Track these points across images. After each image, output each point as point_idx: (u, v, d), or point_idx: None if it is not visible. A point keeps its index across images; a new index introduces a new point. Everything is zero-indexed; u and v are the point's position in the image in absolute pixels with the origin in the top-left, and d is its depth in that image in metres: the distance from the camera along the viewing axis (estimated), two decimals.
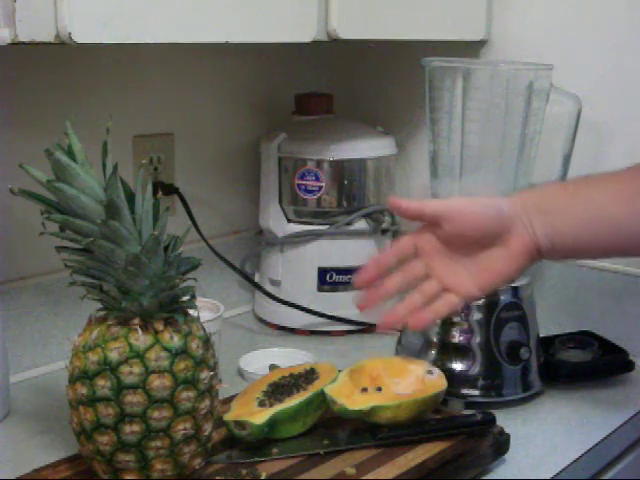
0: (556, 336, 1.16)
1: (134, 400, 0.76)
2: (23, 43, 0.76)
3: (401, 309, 0.90)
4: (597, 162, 1.21)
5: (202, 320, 0.85)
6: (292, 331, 1.31)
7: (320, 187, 1.28)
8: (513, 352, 1.04)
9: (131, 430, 0.77)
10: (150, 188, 0.79)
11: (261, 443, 0.87)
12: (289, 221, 1.31)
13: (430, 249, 0.90)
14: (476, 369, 1.04)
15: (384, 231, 1.31)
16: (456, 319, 1.05)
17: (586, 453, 0.96)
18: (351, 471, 0.83)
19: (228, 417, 0.87)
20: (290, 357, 1.12)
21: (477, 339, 1.04)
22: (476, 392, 1.04)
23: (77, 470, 0.82)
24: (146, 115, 1.25)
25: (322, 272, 1.28)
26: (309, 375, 0.94)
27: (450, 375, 0.97)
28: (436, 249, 0.89)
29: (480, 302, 1.03)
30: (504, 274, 0.89)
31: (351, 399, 0.90)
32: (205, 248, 1.24)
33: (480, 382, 1.04)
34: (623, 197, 0.88)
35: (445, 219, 0.88)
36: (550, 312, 1.21)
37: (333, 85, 1.46)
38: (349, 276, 1.28)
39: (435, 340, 1.06)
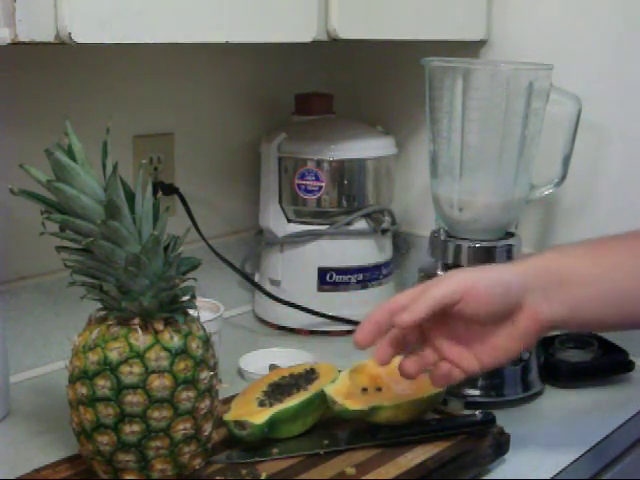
0: (556, 336, 1.16)
1: (134, 400, 0.76)
2: (23, 43, 0.75)
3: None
4: (597, 162, 1.21)
5: (202, 320, 0.85)
6: (292, 331, 1.31)
7: (320, 187, 1.27)
8: None
9: (131, 430, 0.77)
10: (150, 188, 0.79)
11: (261, 443, 0.87)
12: (289, 221, 1.31)
13: (435, 333, 0.84)
14: None
15: (384, 231, 1.31)
16: None
17: (586, 453, 0.96)
18: (351, 471, 0.83)
19: (228, 417, 0.87)
20: (290, 357, 1.12)
21: None
22: (476, 392, 1.04)
23: (77, 470, 0.82)
24: (146, 115, 1.25)
25: (322, 272, 1.28)
26: (309, 375, 0.94)
27: None
28: (439, 332, 0.84)
29: None
30: (509, 352, 0.84)
31: (351, 399, 0.90)
32: (205, 248, 1.24)
33: (480, 382, 1.04)
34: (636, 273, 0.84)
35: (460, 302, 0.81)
36: None
37: (333, 85, 1.46)
38: (349, 276, 1.28)
39: None
